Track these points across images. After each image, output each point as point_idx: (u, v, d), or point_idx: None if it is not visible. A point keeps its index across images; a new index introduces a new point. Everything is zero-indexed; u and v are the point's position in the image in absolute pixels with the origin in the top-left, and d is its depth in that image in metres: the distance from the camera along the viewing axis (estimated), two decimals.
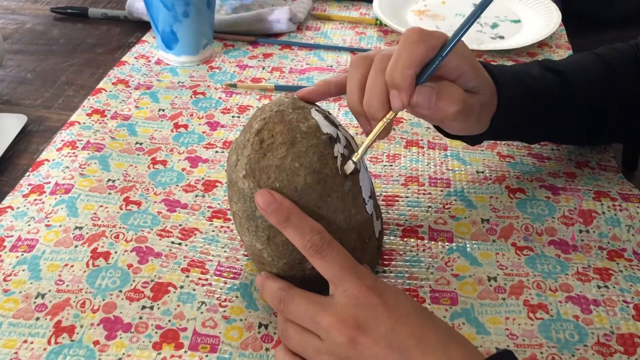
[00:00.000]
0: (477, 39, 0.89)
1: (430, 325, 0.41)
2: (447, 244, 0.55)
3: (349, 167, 0.46)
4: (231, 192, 0.48)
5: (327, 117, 0.48)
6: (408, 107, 0.46)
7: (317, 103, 0.51)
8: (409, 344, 0.39)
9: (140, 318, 0.49)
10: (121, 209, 0.58)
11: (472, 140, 0.57)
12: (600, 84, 0.59)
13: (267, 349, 0.47)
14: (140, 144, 0.67)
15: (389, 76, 0.45)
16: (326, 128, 0.46)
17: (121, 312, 0.49)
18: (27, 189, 0.60)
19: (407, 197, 0.61)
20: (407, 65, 0.44)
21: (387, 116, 0.46)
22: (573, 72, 0.59)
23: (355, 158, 0.46)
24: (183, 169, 0.64)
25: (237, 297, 0.51)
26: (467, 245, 0.55)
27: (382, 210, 0.59)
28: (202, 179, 0.63)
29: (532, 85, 0.56)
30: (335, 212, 0.45)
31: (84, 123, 0.69)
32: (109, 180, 0.62)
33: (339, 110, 0.74)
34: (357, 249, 0.48)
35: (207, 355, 0.46)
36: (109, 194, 0.60)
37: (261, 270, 0.48)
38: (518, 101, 0.54)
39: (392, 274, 0.53)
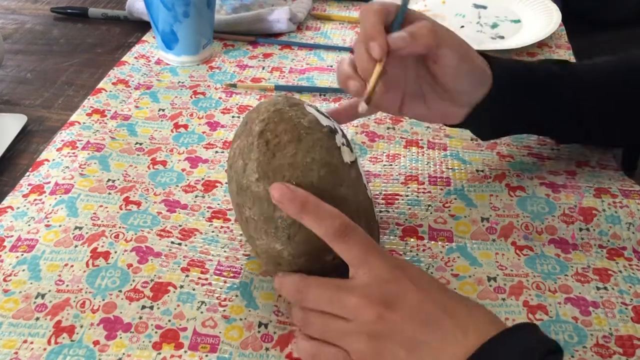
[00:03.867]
0: (477, 39, 0.89)
1: (453, 296, 0.43)
2: (446, 243, 0.55)
3: (346, 151, 0.47)
4: (243, 198, 0.47)
5: (319, 111, 0.50)
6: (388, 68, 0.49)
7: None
8: (438, 314, 0.40)
9: (140, 318, 0.49)
10: (121, 209, 0.58)
11: (481, 131, 0.59)
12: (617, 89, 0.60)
13: (267, 349, 0.47)
14: (140, 144, 0.67)
15: (361, 36, 0.49)
16: (324, 121, 0.48)
17: (121, 312, 0.49)
18: (27, 189, 0.60)
19: (407, 195, 0.61)
20: (371, 19, 0.49)
21: (376, 70, 0.48)
22: (585, 70, 0.59)
23: (366, 96, 0.48)
24: (183, 170, 0.64)
25: (236, 296, 0.51)
26: (467, 245, 0.55)
27: (381, 210, 0.59)
28: (202, 179, 0.63)
29: (529, 70, 0.58)
30: (347, 201, 0.46)
31: (84, 123, 0.69)
32: (108, 180, 0.62)
33: None
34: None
35: (207, 355, 0.46)
36: (109, 194, 0.60)
37: (277, 271, 0.48)
38: (514, 81, 0.56)
39: None
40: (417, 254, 0.54)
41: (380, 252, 0.44)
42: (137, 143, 0.67)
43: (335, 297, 0.43)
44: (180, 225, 0.57)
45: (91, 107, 0.73)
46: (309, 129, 0.46)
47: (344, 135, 0.49)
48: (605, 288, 0.51)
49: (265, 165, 0.45)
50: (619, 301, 0.50)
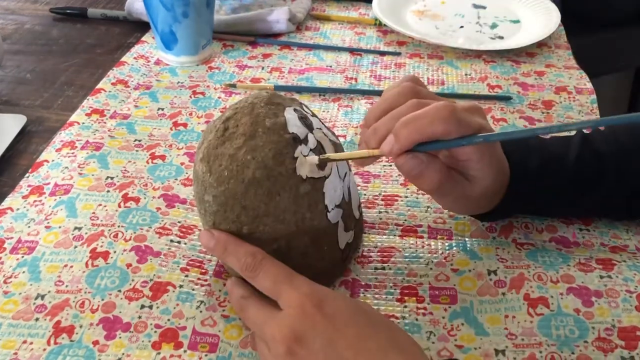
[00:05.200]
0: (476, 39, 0.89)
1: (371, 332, 0.40)
2: (446, 241, 0.55)
3: (306, 164, 0.46)
4: (194, 172, 0.49)
5: (305, 118, 0.49)
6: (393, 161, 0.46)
7: (304, 101, 0.52)
8: (347, 356, 0.39)
9: (140, 317, 0.48)
10: (119, 206, 0.58)
11: (480, 217, 0.56)
12: None
13: None
14: (139, 140, 0.68)
15: (399, 125, 0.44)
16: (294, 128, 0.47)
17: (120, 312, 0.49)
18: (27, 190, 0.60)
19: (407, 197, 0.61)
20: (417, 132, 0.44)
21: (375, 151, 0.46)
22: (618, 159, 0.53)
23: (318, 158, 0.46)
24: (182, 163, 0.64)
25: None
26: (467, 241, 0.55)
27: (381, 210, 0.59)
28: None
29: (560, 177, 0.53)
30: (284, 212, 0.46)
31: (83, 123, 0.69)
32: (107, 177, 0.62)
33: (338, 110, 0.74)
34: (309, 254, 0.48)
35: (206, 355, 0.46)
36: (108, 191, 0.60)
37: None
38: (536, 195, 0.53)
39: (391, 271, 0.53)
40: (416, 250, 0.54)
41: (293, 282, 0.43)
42: (135, 140, 0.67)
43: (262, 323, 0.43)
44: (179, 222, 0.57)
45: (90, 107, 0.73)
46: (268, 130, 0.46)
47: (317, 150, 0.47)
48: (609, 276, 0.51)
49: (212, 149, 0.47)
50: (623, 289, 0.50)
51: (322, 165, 0.47)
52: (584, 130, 0.57)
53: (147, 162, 0.64)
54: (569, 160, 0.53)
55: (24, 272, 0.52)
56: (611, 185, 0.53)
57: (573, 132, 0.56)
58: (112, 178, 0.62)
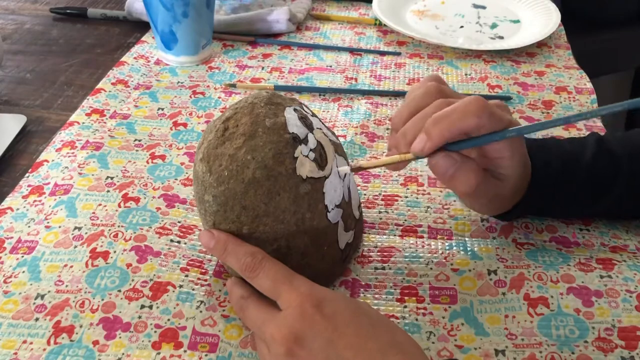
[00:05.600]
0: (476, 39, 0.89)
1: (371, 333, 0.40)
2: (446, 241, 0.55)
3: (306, 164, 0.46)
4: (194, 171, 0.49)
5: (305, 118, 0.49)
6: (427, 163, 0.47)
7: (302, 101, 0.52)
8: (347, 356, 0.39)
9: (140, 317, 0.48)
10: (119, 206, 0.58)
11: (499, 217, 0.56)
12: None
13: None
14: (139, 140, 0.68)
15: (430, 123, 0.44)
16: (294, 128, 0.47)
17: (120, 312, 0.49)
18: (27, 190, 0.60)
19: (407, 197, 0.61)
20: (449, 128, 0.44)
21: (407, 155, 0.46)
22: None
23: (350, 168, 0.47)
24: (182, 163, 0.64)
25: None
26: (467, 241, 0.55)
27: (381, 210, 0.59)
28: None
29: (577, 176, 0.53)
30: (284, 212, 0.46)
31: (83, 123, 0.69)
32: (107, 177, 0.62)
33: (338, 110, 0.74)
34: (309, 254, 0.48)
35: (206, 355, 0.46)
36: (108, 191, 0.60)
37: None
38: (555, 197, 0.53)
39: (391, 271, 0.53)
40: (416, 250, 0.54)
41: (292, 282, 0.43)
42: (135, 140, 0.68)
43: (261, 324, 0.43)
44: (179, 222, 0.57)
45: (90, 107, 0.73)
46: (268, 130, 0.46)
47: (317, 150, 0.47)
48: (609, 276, 0.51)
49: (212, 148, 0.47)
50: (623, 289, 0.50)
51: (322, 165, 0.47)
52: (600, 133, 0.57)
53: (147, 162, 0.64)
54: (585, 160, 0.53)
55: (23, 271, 0.52)
56: (624, 187, 0.53)
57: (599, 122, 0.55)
58: (112, 178, 0.62)
